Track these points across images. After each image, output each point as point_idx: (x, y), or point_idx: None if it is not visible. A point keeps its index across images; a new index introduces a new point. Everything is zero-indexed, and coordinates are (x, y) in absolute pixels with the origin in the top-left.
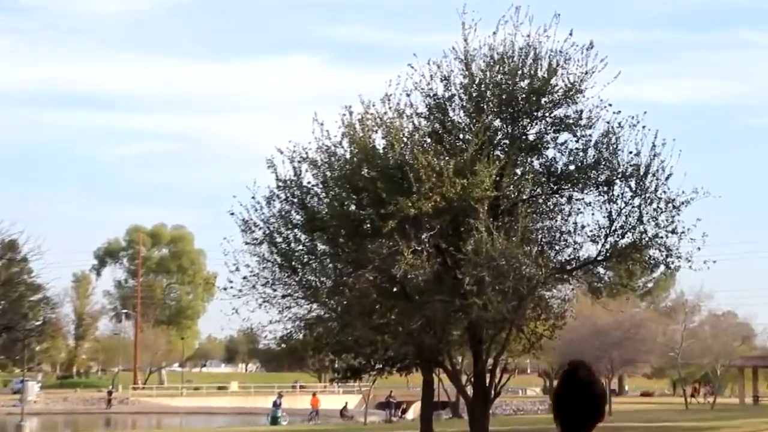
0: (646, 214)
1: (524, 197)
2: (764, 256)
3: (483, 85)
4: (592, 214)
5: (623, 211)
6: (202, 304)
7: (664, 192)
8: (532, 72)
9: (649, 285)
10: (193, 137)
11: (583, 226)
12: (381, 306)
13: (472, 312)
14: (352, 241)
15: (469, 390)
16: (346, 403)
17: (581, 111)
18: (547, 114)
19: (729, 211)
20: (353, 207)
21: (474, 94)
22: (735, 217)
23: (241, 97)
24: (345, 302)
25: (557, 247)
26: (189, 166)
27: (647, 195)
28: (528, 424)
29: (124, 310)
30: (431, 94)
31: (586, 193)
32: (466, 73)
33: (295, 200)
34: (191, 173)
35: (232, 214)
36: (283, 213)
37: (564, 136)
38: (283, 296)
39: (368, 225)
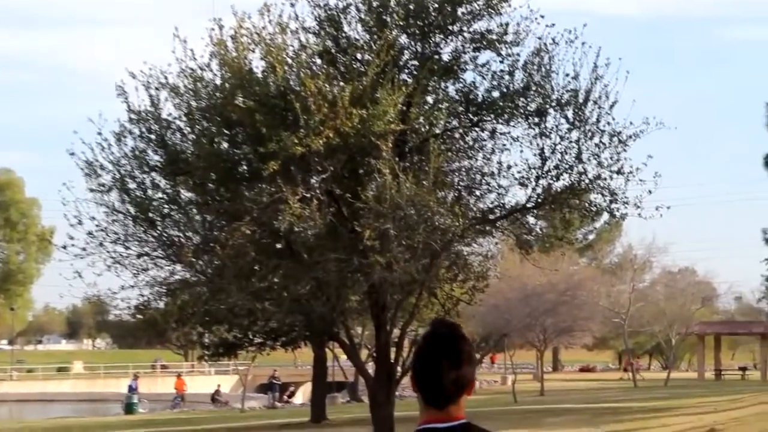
0: (586, 150)
1: (437, 131)
2: (729, 200)
3: None
4: (521, 151)
5: (558, 147)
6: (36, 267)
7: (608, 123)
8: None
9: (590, 237)
10: (20, 60)
11: (509, 167)
12: (261, 267)
13: (373, 273)
14: (224, 187)
15: (371, 368)
16: (219, 386)
17: (507, 24)
18: (464, 28)
19: (688, 147)
20: (225, 145)
21: (375, 4)
22: (695, 154)
23: (79, 7)
24: (216, 262)
25: (478, 193)
26: (15, 96)
27: (587, 127)
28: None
29: None
30: (321, 4)
31: (513, 126)
32: None
33: (153, 137)
34: (18, 106)
35: (72, 154)
36: (138, 152)
37: (486, 56)
38: (139, 255)
39: (244, 167)
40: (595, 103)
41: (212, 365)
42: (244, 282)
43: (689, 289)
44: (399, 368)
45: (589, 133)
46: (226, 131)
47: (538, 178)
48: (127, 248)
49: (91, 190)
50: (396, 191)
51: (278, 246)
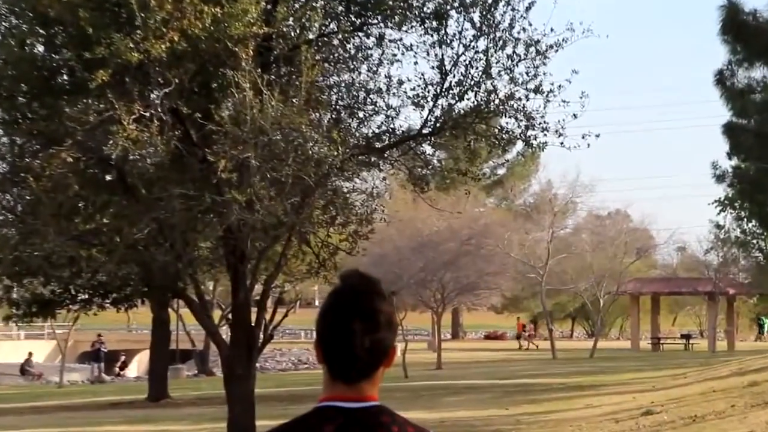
0: (497, 63)
1: (310, 37)
2: (672, 127)
3: None
4: (415, 63)
5: (462, 59)
6: None
7: (524, 30)
8: None
9: (501, 172)
10: None
11: (401, 82)
12: (87, 204)
13: (230, 213)
14: (39, 102)
15: (226, 334)
16: (31, 355)
17: None
18: None
19: (623, 60)
20: (41, 48)
21: None
22: (631, 69)
23: None
24: (29, 198)
25: (361, 115)
26: None
27: (498, 35)
28: (315, 383)
29: None
30: None
31: (406, 32)
32: None
33: None
34: None
35: None
36: None
37: None
38: None
39: (65, 77)
40: (508, 3)
41: (22, 328)
42: (64, 223)
43: (621, 238)
44: (261, 334)
45: (500, 42)
46: (41, 30)
47: (436, 97)
48: None
49: None
50: (259, 111)
51: (108, 178)
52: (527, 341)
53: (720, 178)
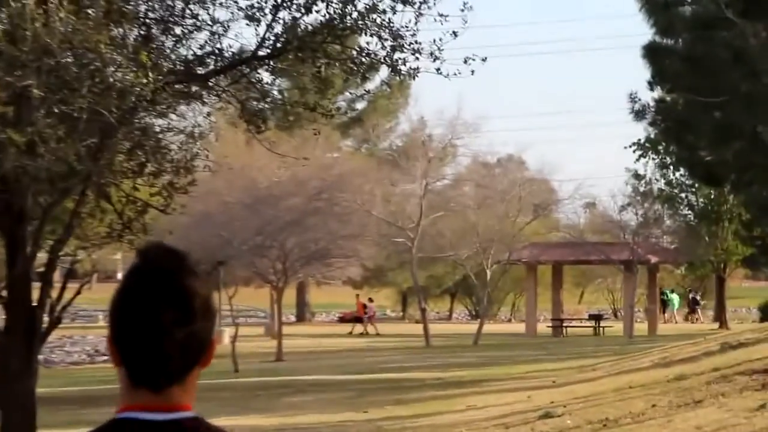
0: None
1: None
2: (581, 47)
3: None
4: None
5: None
6: None
7: None
8: None
9: (360, 107)
10: None
11: None
12: None
13: (5, 159)
14: None
15: None
16: None
17: None
18: None
19: None
20: None
21: None
22: None
23: None
24: None
25: (179, 31)
26: None
27: None
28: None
29: None
30: None
31: None
32: None
33: None
34: None
35: None
36: None
37: None
38: None
39: None
40: None
41: None
42: None
43: (515, 192)
44: (46, 316)
45: None
46: None
47: (276, 8)
48: None
49: None
50: (42, 25)
51: None
52: (370, 324)
53: (639, 114)
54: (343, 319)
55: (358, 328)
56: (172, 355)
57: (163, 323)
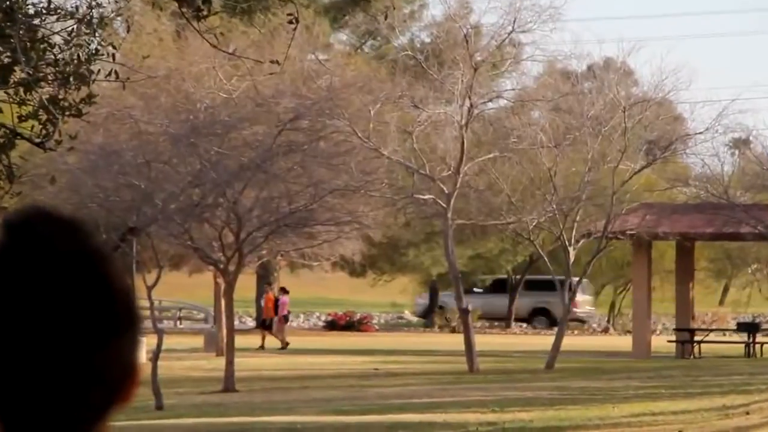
0: None
1: None
2: None
3: None
4: None
5: None
6: None
7: None
8: None
9: None
10: None
11: None
12: None
13: None
14: None
15: None
16: None
17: None
18: None
19: None
20: None
21: None
22: None
23: None
24: None
25: None
26: None
27: None
28: None
29: None
30: None
31: None
32: None
33: None
34: None
35: None
36: None
37: None
38: None
39: None
40: None
41: None
42: None
43: (615, 120)
44: None
45: None
46: None
47: None
48: None
49: None
50: None
51: None
52: (279, 330)
53: None
54: (333, 325)
55: (273, 339)
56: (80, 396)
57: (68, 343)
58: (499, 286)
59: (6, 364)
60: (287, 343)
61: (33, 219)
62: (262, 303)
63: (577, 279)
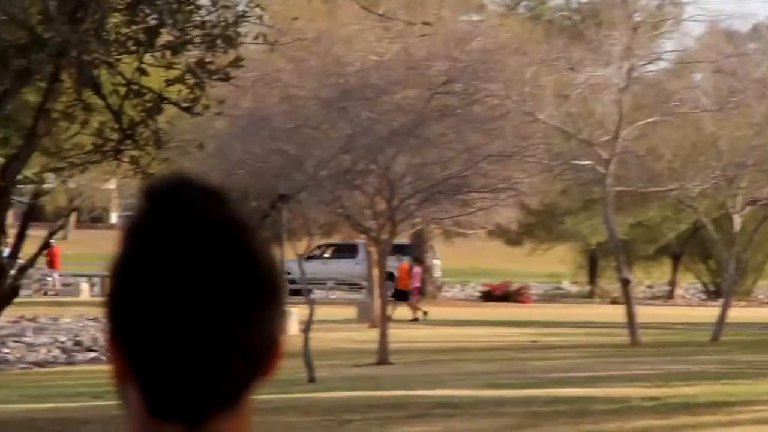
0: None
1: None
2: None
3: None
4: None
5: None
6: None
7: None
8: None
9: None
10: None
11: None
12: None
13: None
14: None
15: None
16: None
17: None
18: None
19: None
20: None
21: None
22: None
23: None
24: None
25: None
26: None
27: None
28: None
29: None
30: None
31: None
32: None
33: None
34: None
35: None
36: None
37: None
38: None
39: None
40: None
41: None
42: None
43: None
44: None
45: None
46: None
47: None
48: None
49: None
50: None
51: None
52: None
53: None
54: (489, 295)
55: (405, 310)
56: (223, 365)
57: (211, 313)
58: None
59: (148, 334)
60: (425, 312)
61: (177, 187)
62: (395, 273)
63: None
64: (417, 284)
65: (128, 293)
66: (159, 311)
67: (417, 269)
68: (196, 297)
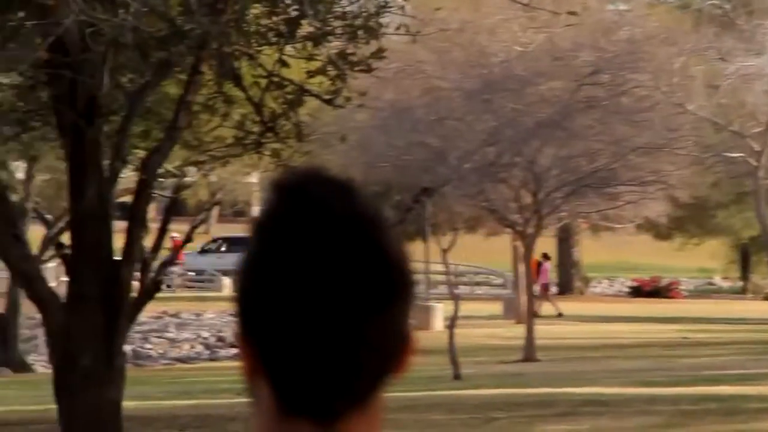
0: None
1: None
2: None
3: None
4: None
5: None
6: None
7: None
8: None
9: None
10: None
11: None
12: None
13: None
14: None
15: (57, 278)
16: None
17: None
18: None
19: None
20: None
21: None
22: None
23: None
24: None
25: None
26: None
27: None
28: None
29: None
30: None
31: None
32: None
33: None
34: None
35: None
36: None
37: None
38: None
39: None
40: None
41: None
42: None
43: None
44: (136, 278)
45: None
46: None
47: None
48: None
49: None
50: None
51: None
52: (546, 298)
53: None
54: (638, 291)
55: (549, 306)
56: (355, 362)
57: (343, 309)
58: None
59: (279, 332)
60: (560, 314)
61: (306, 181)
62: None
63: None
64: (545, 281)
65: (258, 290)
66: (290, 308)
67: (546, 265)
68: (327, 293)
